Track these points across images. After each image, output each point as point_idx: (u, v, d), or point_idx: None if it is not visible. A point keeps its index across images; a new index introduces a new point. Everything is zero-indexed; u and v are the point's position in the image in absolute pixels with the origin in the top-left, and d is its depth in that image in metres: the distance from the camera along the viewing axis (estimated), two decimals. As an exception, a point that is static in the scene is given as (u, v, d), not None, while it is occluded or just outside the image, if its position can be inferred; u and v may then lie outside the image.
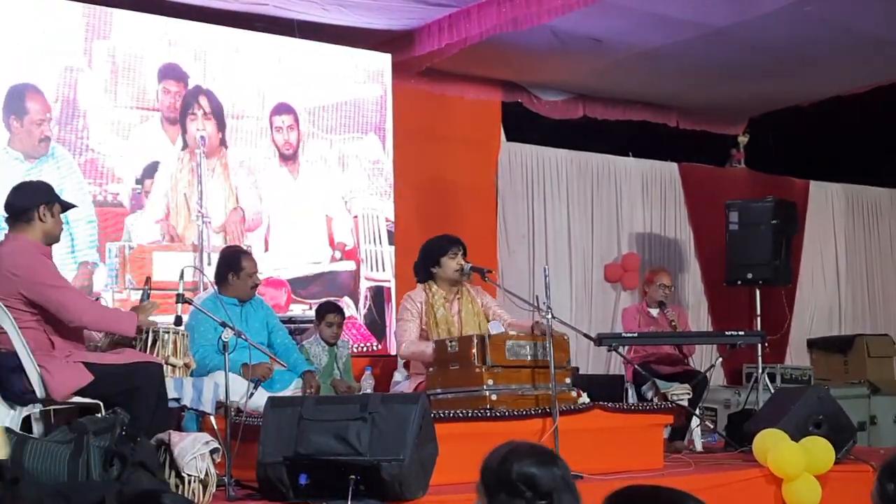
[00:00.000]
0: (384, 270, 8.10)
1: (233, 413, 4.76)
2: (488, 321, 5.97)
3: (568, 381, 5.47)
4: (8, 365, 4.35)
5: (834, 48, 8.30)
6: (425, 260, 5.95)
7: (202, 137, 7.32)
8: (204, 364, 5.27)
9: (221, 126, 7.47)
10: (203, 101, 7.42)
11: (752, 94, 9.60)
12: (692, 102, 9.98)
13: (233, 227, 7.39)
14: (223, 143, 7.49)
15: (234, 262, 5.79)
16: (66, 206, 4.73)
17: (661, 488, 1.99)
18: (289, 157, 7.81)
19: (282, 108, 7.81)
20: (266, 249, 7.58)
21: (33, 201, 4.54)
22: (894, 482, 2.16)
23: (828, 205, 11.24)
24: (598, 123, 9.82)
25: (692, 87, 9.38)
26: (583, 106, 9.70)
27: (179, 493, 3.98)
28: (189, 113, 7.35)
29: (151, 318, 4.82)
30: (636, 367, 6.82)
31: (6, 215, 4.61)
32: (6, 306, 4.34)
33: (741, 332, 7.27)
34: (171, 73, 7.29)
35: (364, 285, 8.03)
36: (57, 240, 4.69)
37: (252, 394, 4.94)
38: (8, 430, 3.96)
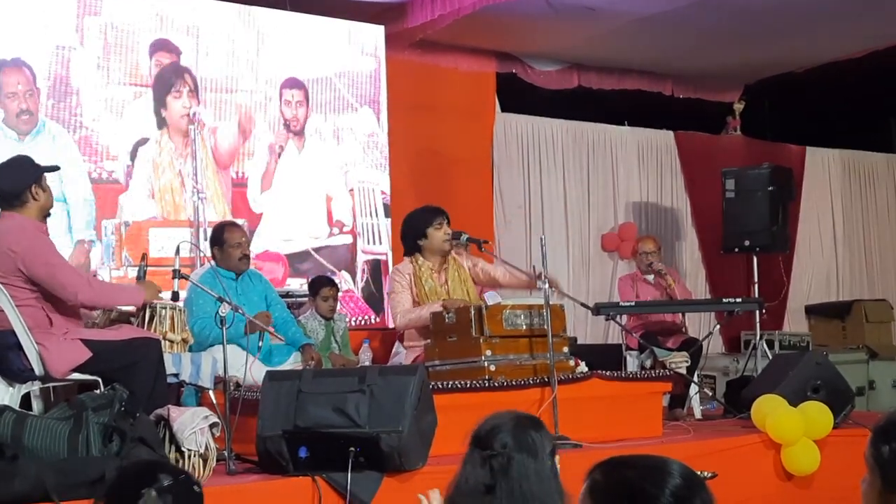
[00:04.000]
0: (380, 243, 8.10)
1: (231, 387, 4.77)
2: (476, 284, 5.97)
3: (566, 350, 5.48)
4: (6, 343, 4.35)
5: (829, 13, 8.27)
6: (411, 233, 5.89)
7: (194, 113, 7.30)
8: (203, 336, 5.26)
9: (209, 102, 7.43)
10: (193, 76, 7.38)
11: (747, 61, 9.57)
12: (687, 70, 9.94)
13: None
14: (218, 120, 7.45)
15: (217, 236, 5.81)
16: (51, 170, 4.68)
17: (642, 455, 2.01)
18: (296, 133, 7.81)
19: (292, 83, 7.79)
20: (262, 223, 7.57)
21: (24, 182, 4.49)
22: (888, 444, 2.17)
23: (824, 171, 11.23)
24: (593, 93, 9.79)
25: (687, 55, 9.34)
26: (577, 75, 9.67)
27: (179, 467, 3.98)
28: (177, 89, 7.31)
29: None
30: (640, 339, 6.83)
31: None
32: (3, 284, 4.33)
33: (739, 300, 7.28)
34: (163, 46, 7.25)
35: (361, 258, 8.03)
36: (50, 208, 4.66)
37: (257, 356, 4.92)
38: (7, 407, 3.97)
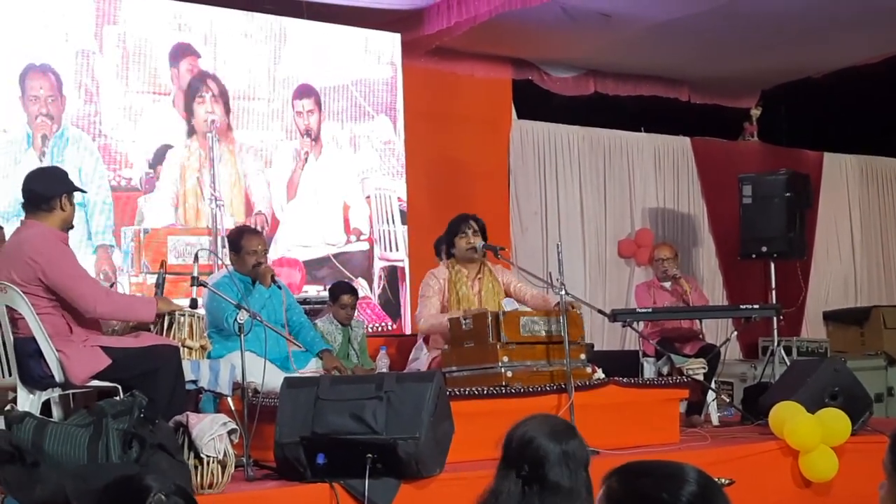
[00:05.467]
0: (397, 250, 8.12)
1: (249, 394, 4.79)
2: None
3: (583, 356, 5.48)
4: (27, 350, 4.39)
5: (846, 18, 8.24)
6: (446, 238, 6.04)
7: (213, 121, 7.34)
8: (230, 323, 5.21)
9: (228, 110, 7.47)
10: (212, 84, 7.43)
11: (764, 66, 9.55)
12: (704, 76, 9.93)
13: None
14: (230, 127, 7.50)
15: (234, 242, 5.78)
16: (80, 190, 4.79)
17: (659, 461, 2.00)
18: (312, 140, 7.84)
19: (302, 92, 7.81)
20: (279, 230, 7.60)
21: (56, 190, 4.54)
22: (907, 450, 2.16)
23: (842, 176, 11.18)
24: (609, 99, 9.79)
25: (703, 61, 9.33)
26: (594, 82, 9.67)
27: (198, 474, 4.00)
28: (197, 96, 7.36)
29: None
30: (657, 346, 6.81)
31: (25, 200, 4.61)
32: (25, 292, 4.37)
33: (756, 306, 7.27)
34: (186, 52, 7.30)
35: (378, 265, 8.04)
36: (71, 226, 4.72)
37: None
38: (28, 414, 4.00)
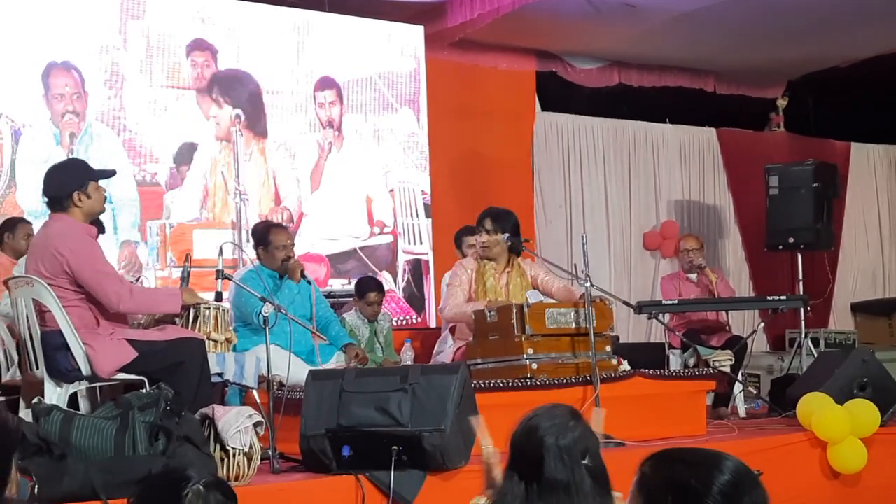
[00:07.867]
0: (422, 244, 8.11)
1: (275, 387, 4.80)
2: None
3: (608, 349, 5.46)
4: (54, 343, 4.41)
5: (872, 7, 8.17)
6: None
7: (237, 116, 7.35)
8: (255, 317, 5.24)
9: (251, 104, 7.48)
10: (235, 78, 7.44)
11: (791, 56, 9.48)
12: (729, 66, 9.86)
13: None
14: (258, 121, 7.50)
15: (262, 237, 5.80)
16: (105, 176, 4.65)
17: (698, 448, 1.97)
18: (334, 132, 7.85)
19: (323, 83, 7.82)
20: (303, 223, 7.61)
21: (68, 188, 4.51)
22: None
23: (869, 166, 11.09)
24: (633, 90, 9.74)
25: (729, 51, 9.27)
26: (618, 73, 9.63)
27: (224, 466, 4.02)
28: (221, 91, 7.36)
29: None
30: (683, 338, 6.78)
31: (46, 199, 4.63)
32: (52, 285, 4.39)
33: (783, 297, 7.22)
34: (198, 45, 7.32)
35: (402, 258, 8.04)
36: (101, 212, 4.70)
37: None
38: (55, 406, 4.02)
